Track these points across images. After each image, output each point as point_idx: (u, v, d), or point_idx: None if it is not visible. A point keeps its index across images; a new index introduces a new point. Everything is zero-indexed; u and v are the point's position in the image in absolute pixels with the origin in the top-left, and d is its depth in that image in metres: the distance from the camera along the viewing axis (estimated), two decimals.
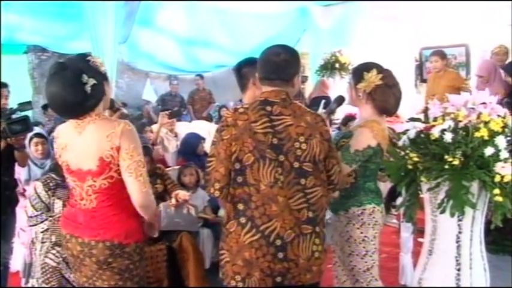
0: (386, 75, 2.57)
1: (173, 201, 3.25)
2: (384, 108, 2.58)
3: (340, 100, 2.89)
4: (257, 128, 1.93)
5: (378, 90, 2.53)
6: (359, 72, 2.58)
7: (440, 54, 6.08)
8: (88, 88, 1.97)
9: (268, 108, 1.97)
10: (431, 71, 6.21)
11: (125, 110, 3.08)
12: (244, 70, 2.68)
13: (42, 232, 2.99)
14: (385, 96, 2.55)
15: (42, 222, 2.98)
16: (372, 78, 2.52)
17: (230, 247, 2.04)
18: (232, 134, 1.92)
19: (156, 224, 2.28)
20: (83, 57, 2.05)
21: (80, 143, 2.05)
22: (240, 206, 1.94)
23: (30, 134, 3.95)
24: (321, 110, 2.77)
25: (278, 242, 1.93)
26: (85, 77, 1.97)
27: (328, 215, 2.63)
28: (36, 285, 2.99)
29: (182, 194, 3.31)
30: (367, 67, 2.58)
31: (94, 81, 1.98)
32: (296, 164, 1.96)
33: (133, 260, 2.10)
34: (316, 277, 2.15)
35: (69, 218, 2.18)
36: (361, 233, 2.55)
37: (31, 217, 3.01)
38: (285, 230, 1.93)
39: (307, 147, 1.98)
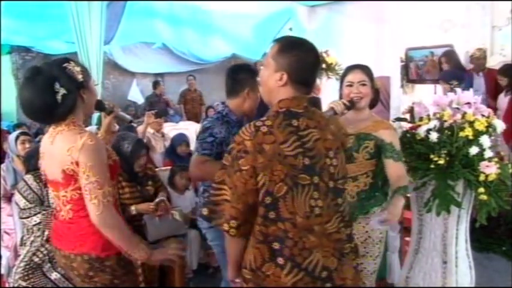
0: None
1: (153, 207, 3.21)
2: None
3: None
4: (287, 150, 1.62)
5: None
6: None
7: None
8: (59, 97, 1.89)
9: (295, 122, 1.66)
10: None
11: (122, 113, 2.67)
12: (241, 76, 2.52)
13: (34, 225, 2.90)
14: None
15: (35, 215, 2.88)
16: None
17: None
18: (259, 162, 1.59)
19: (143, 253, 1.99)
20: (60, 64, 1.97)
21: (50, 152, 2.00)
22: (276, 245, 1.66)
23: (16, 133, 3.91)
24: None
25: (324, 274, 1.70)
26: (57, 85, 1.89)
27: None
28: (12, 281, 2.89)
29: (159, 199, 3.27)
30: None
31: (64, 91, 1.90)
32: (331, 184, 1.70)
33: (116, 274, 2.01)
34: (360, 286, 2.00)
35: (54, 230, 2.14)
36: (380, 233, 2.47)
37: (24, 209, 2.89)
38: (328, 258, 1.71)
39: (337, 162, 1.73)
